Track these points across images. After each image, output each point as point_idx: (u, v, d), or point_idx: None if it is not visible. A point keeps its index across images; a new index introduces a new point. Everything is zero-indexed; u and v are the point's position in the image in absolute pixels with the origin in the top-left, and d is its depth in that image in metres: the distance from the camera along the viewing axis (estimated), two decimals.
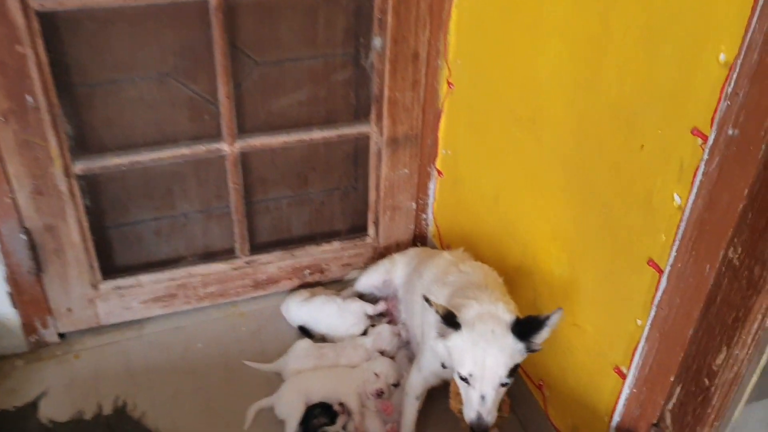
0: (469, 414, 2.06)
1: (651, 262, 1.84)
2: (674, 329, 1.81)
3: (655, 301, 1.85)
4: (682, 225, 1.71)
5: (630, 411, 2.05)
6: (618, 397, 2.08)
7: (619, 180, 1.92)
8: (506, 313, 2.04)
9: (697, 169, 1.63)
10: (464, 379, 2.04)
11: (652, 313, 1.87)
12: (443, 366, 2.29)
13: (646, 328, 1.91)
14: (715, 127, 1.55)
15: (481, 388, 2.01)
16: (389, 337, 2.82)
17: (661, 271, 1.82)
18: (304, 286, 3.18)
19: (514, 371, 2.04)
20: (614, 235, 1.98)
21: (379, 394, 2.63)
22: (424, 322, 2.41)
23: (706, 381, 1.68)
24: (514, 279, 2.48)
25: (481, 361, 1.99)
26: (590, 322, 2.17)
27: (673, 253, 1.75)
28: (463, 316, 2.01)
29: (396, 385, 2.69)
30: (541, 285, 2.39)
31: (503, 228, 2.60)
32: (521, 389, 2.66)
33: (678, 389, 1.83)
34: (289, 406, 2.62)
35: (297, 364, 2.77)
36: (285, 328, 3.05)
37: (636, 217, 1.88)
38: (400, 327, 2.87)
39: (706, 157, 1.59)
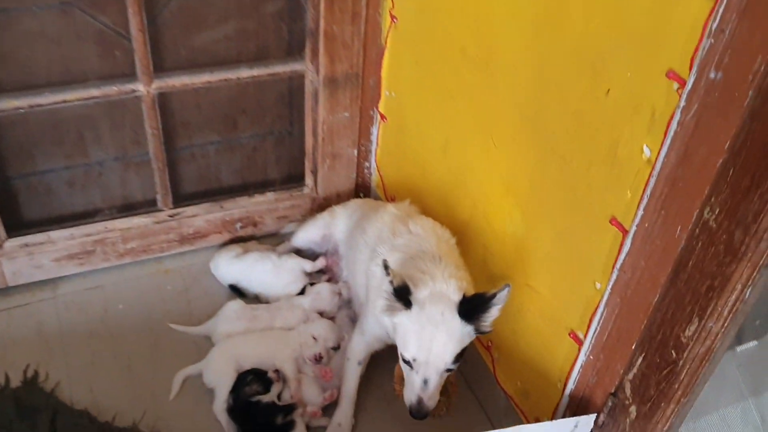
0: (410, 398, 1.91)
1: (614, 221, 1.66)
2: (637, 295, 1.65)
3: (617, 264, 1.68)
4: (652, 181, 1.52)
5: (585, 379, 1.90)
6: (573, 364, 1.93)
7: (580, 129, 1.72)
8: (455, 293, 1.89)
9: (671, 117, 1.43)
10: (407, 362, 1.90)
11: (614, 276, 1.70)
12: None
13: (606, 293, 1.75)
14: (694, 69, 1.35)
15: (425, 372, 1.86)
16: (329, 297, 2.62)
17: (625, 231, 1.64)
18: (236, 240, 2.95)
19: (460, 356, 1.90)
20: (573, 190, 1.79)
21: (318, 359, 2.44)
22: (369, 284, 2.21)
23: (673, 353, 1.52)
24: (463, 235, 2.28)
25: (427, 346, 1.84)
26: (544, 283, 2.00)
27: (640, 212, 1.58)
28: (416, 295, 1.87)
29: (336, 348, 2.50)
30: (493, 242, 2.20)
31: (452, 179, 2.39)
32: (469, 351, 2.49)
33: (639, 359, 1.68)
34: (219, 373, 2.41)
35: (227, 327, 2.55)
36: (215, 287, 2.82)
37: (598, 171, 1.69)
38: (341, 285, 2.66)
39: (682, 104, 1.40)
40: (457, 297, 1.89)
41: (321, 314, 2.61)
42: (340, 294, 2.65)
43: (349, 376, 2.35)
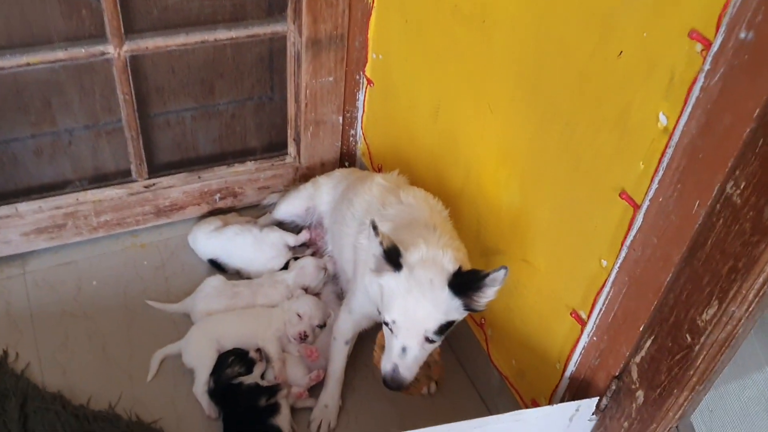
0: (385, 365, 1.79)
1: (624, 195, 1.54)
2: (647, 274, 1.54)
3: (627, 241, 1.56)
4: (668, 151, 1.39)
5: (587, 360, 1.80)
6: (574, 345, 1.83)
7: (587, 94, 1.58)
8: (450, 263, 1.77)
9: (692, 82, 1.30)
10: (388, 326, 1.77)
11: (622, 254, 1.59)
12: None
13: (614, 271, 1.63)
14: (722, 29, 1.22)
15: (404, 338, 1.74)
16: (314, 272, 2.49)
17: (636, 206, 1.52)
18: (215, 213, 2.80)
19: (445, 329, 1.75)
20: (577, 160, 1.66)
21: (303, 337, 2.32)
22: (357, 259, 2.08)
23: (688, 338, 1.41)
24: (455, 206, 2.15)
25: (410, 310, 1.72)
26: (543, 259, 1.88)
27: (654, 185, 1.45)
28: (407, 257, 1.76)
29: (322, 326, 2.38)
30: (487, 214, 2.08)
31: (443, 147, 2.25)
32: (460, 327, 2.38)
33: (648, 342, 1.57)
34: (199, 353, 2.28)
35: (207, 305, 2.42)
36: (193, 262, 2.69)
37: (607, 139, 1.56)
38: (327, 260, 2.54)
39: (706, 67, 1.26)
40: (451, 267, 1.75)
41: (305, 290, 2.48)
42: (325, 269, 2.52)
43: (335, 356, 2.23)
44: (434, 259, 1.79)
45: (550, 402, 1.99)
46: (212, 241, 2.61)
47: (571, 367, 1.86)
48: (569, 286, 1.81)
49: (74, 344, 2.39)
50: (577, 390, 1.88)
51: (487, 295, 1.74)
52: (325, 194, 2.58)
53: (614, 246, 1.61)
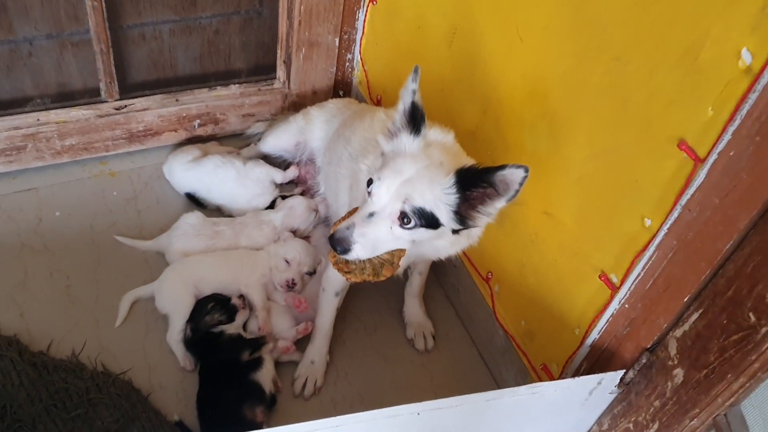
0: (341, 225, 1.56)
1: (683, 146, 1.31)
2: (702, 239, 1.33)
3: (681, 200, 1.34)
4: (751, 97, 1.17)
5: (614, 328, 1.61)
6: (601, 310, 1.63)
7: (646, 22, 1.34)
8: (469, 161, 1.61)
9: None
10: (369, 188, 1.55)
11: (674, 213, 1.37)
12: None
13: (660, 232, 1.42)
14: None
15: (379, 202, 1.52)
16: (304, 213, 2.25)
17: (697, 160, 1.29)
18: (193, 141, 2.54)
19: (423, 219, 1.50)
20: (626, 102, 1.42)
21: (290, 285, 2.10)
22: (353, 199, 1.83)
23: (752, 317, 1.21)
24: (467, 148, 1.90)
25: (404, 173, 1.51)
26: (570, 213, 1.66)
27: (726, 137, 1.23)
28: (427, 132, 1.59)
29: (311, 274, 2.16)
30: (505, 159, 1.83)
31: (457, 78, 2.00)
32: (463, 279, 2.19)
33: (695, 316, 1.37)
34: (174, 297, 2.06)
35: (184, 244, 2.18)
36: (169, 195, 2.45)
37: (667, 79, 1.32)
38: (318, 201, 2.29)
39: None
40: (469, 162, 1.58)
41: (294, 233, 2.25)
42: (316, 211, 2.28)
43: (324, 309, 2.02)
44: (455, 152, 1.62)
45: (563, 369, 1.81)
46: (190, 172, 2.35)
47: (594, 335, 1.67)
48: (600, 245, 1.59)
49: (34, 282, 2.15)
50: (597, 359, 1.69)
51: (490, 207, 1.50)
52: (318, 129, 2.32)
53: (663, 204, 1.39)
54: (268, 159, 2.45)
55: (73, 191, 2.40)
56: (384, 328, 2.21)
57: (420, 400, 2.07)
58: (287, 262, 2.12)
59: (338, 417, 1.38)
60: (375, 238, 1.54)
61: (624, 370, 1.58)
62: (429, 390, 2.08)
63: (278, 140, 2.40)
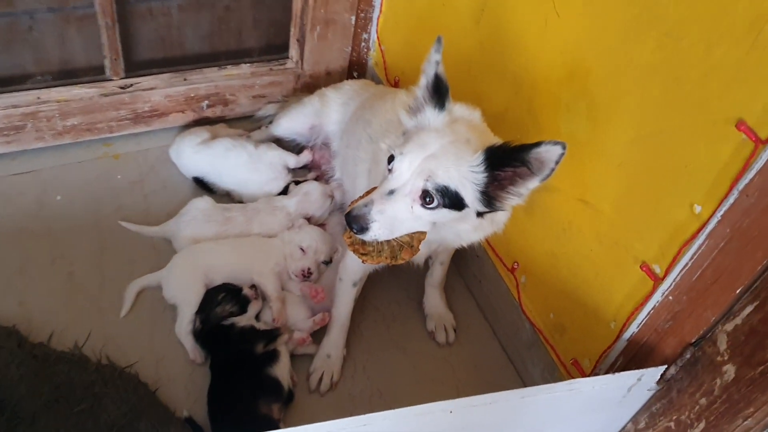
0: (358, 203, 1.45)
1: (743, 126, 1.22)
2: (759, 227, 1.24)
3: (739, 184, 1.25)
4: None
5: (655, 322, 1.52)
6: (641, 303, 1.54)
7: None
8: (496, 139, 1.52)
9: None
10: (390, 164, 1.45)
11: (729, 199, 1.28)
12: None
13: (712, 220, 1.33)
14: None
15: (401, 178, 1.42)
16: (319, 199, 2.16)
17: (759, 141, 1.20)
18: (202, 122, 2.45)
19: (446, 198, 1.41)
20: (679, 80, 1.33)
21: (306, 274, 2.01)
22: (372, 184, 1.73)
23: None
24: (495, 131, 1.80)
25: (428, 148, 1.43)
26: (609, 200, 1.57)
27: None
28: (452, 107, 1.52)
29: (327, 263, 2.06)
30: (542, 124, 1.74)
31: (486, 57, 1.90)
32: (486, 270, 2.10)
33: (749, 309, 1.28)
34: (183, 287, 1.97)
35: (193, 230, 2.09)
36: (176, 178, 2.35)
37: (727, 56, 1.23)
38: (334, 186, 2.19)
39: None
40: (496, 141, 1.48)
41: (308, 220, 2.16)
42: (332, 197, 2.18)
43: (341, 300, 1.93)
44: (482, 130, 1.53)
45: (596, 364, 1.72)
46: (199, 155, 2.26)
47: (632, 328, 1.58)
48: (643, 234, 1.50)
49: (34, 269, 2.05)
50: (634, 355, 1.60)
51: (522, 187, 1.40)
52: (335, 112, 2.22)
53: (717, 189, 1.30)
54: (279, 143, 2.36)
55: (76, 174, 2.30)
56: (403, 320, 2.12)
57: (441, 396, 1.98)
58: (303, 250, 2.03)
59: (365, 416, 1.29)
60: (394, 216, 1.43)
61: (665, 366, 1.50)
62: (450, 385, 1.99)
63: (292, 123, 2.30)
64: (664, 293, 1.47)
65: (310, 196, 2.15)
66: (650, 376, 1.52)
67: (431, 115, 1.48)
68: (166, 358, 1.92)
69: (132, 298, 1.99)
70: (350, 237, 1.50)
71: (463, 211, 1.45)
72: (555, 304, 1.84)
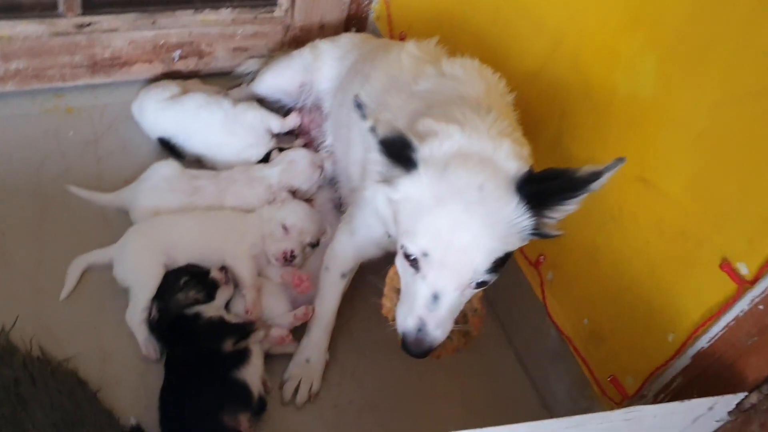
0: (405, 320, 1.24)
1: None
2: None
3: None
4: None
5: (735, 336, 1.25)
6: (719, 311, 1.26)
7: None
8: (510, 160, 1.20)
9: None
10: (412, 260, 1.21)
11: None
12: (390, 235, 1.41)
13: None
14: None
15: (438, 281, 1.19)
16: (306, 170, 1.88)
17: None
18: (172, 77, 2.14)
19: (501, 265, 1.20)
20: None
21: (288, 258, 1.68)
22: (369, 157, 1.42)
23: None
24: (526, 95, 1.48)
25: (447, 234, 1.15)
26: (680, 179, 1.28)
27: None
28: (427, 149, 1.19)
29: (314, 245, 1.75)
30: (581, 107, 1.43)
31: (517, 4, 1.56)
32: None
33: None
34: (138, 267, 1.68)
35: (154, 200, 1.80)
36: (138, 140, 2.06)
37: None
38: (324, 156, 1.87)
39: None
40: (513, 165, 1.19)
41: (293, 194, 1.86)
42: (321, 168, 1.87)
43: (326, 293, 1.65)
44: (480, 152, 1.20)
45: (643, 384, 1.41)
46: (166, 112, 1.98)
47: (701, 343, 1.29)
48: (725, 224, 1.21)
49: None
50: (698, 375, 1.32)
51: (567, 208, 1.17)
52: (328, 67, 1.92)
53: None
54: (263, 103, 2.05)
55: (18, 128, 2.00)
56: None
57: (445, 411, 1.67)
58: (285, 229, 1.73)
59: None
60: (448, 317, 1.22)
61: (744, 393, 1.19)
62: (456, 399, 1.69)
63: (279, 79, 2.00)
64: (752, 301, 1.19)
65: (296, 165, 1.85)
66: (724, 405, 1.22)
67: (413, 185, 1.18)
68: (114, 352, 1.63)
69: (76, 277, 1.70)
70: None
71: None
72: (591, 308, 1.54)
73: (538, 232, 1.19)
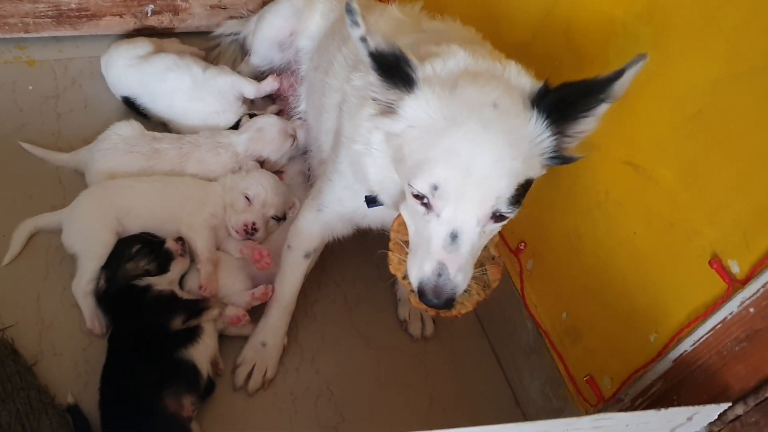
0: (422, 268, 1.09)
1: None
2: None
3: None
4: None
5: (722, 341, 1.13)
6: (705, 312, 1.13)
7: None
8: (522, 77, 1.11)
9: None
10: (422, 200, 1.07)
11: None
12: (371, 201, 1.26)
13: None
14: None
15: (456, 215, 1.06)
16: (276, 138, 1.75)
17: None
18: (144, 33, 2.01)
19: (523, 194, 1.08)
20: None
21: (249, 231, 1.57)
22: (342, 123, 1.30)
23: None
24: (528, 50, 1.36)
25: (466, 157, 1.02)
26: (672, 164, 1.16)
27: None
28: (430, 68, 1.09)
29: (278, 219, 1.62)
30: (574, 77, 1.29)
31: None
32: None
33: None
34: (87, 232, 1.56)
35: (111, 161, 1.68)
36: (102, 97, 1.94)
37: None
38: (298, 125, 1.74)
39: None
40: (526, 81, 1.10)
41: (261, 164, 1.72)
42: (294, 137, 1.72)
43: (288, 273, 1.52)
44: (490, 71, 1.10)
45: (620, 387, 1.30)
46: (132, 70, 1.85)
47: (684, 346, 1.16)
48: (718, 216, 1.08)
49: None
50: (680, 381, 1.20)
51: (587, 122, 1.06)
52: (314, 20, 1.77)
53: None
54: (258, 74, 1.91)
55: None
56: (369, 303, 1.70)
57: (409, 403, 1.56)
58: (248, 199, 1.60)
59: None
60: (471, 257, 1.09)
61: (728, 404, 1.07)
62: (422, 390, 1.57)
63: (269, 30, 1.85)
64: (742, 302, 1.06)
65: (265, 133, 1.72)
66: (705, 416, 1.10)
67: (417, 109, 1.05)
68: (54, 323, 1.52)
69: (21, 241, 1.59)
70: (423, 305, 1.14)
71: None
72: (571, 301, 1.42)
73: (559, 155, 1.08)
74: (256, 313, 1.53)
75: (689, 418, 1.11)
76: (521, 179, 1.04)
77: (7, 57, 1.90)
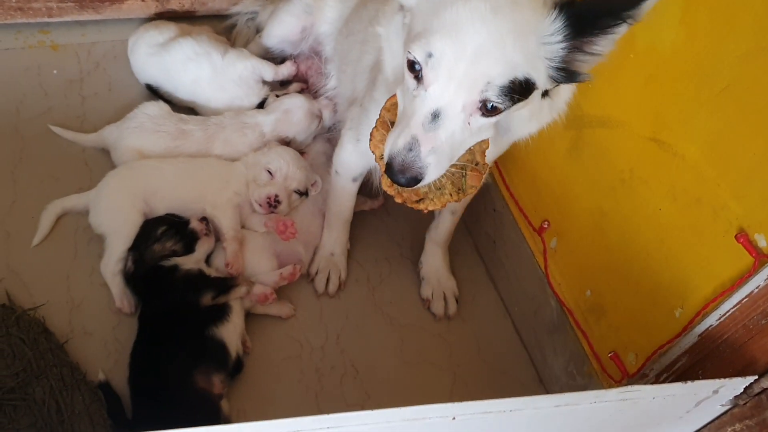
0: (396, 141, 1.07)
1: None
2: None
3: None
4: None
5: (748, 315, 1.13)
6: (732, 287, 1.14)
7: None
8: None
9: None
10: (417, 72, 1.05)
11: None
12: None
13: None
14: None
15: (442, 94, 1.03)
16: (303, 119, 1.76)
17: None
18: (166, 16, 2.00)
19: (518, 93, 1.03)
20: None
21: (272, 203, 1.58)
22: (381, 62, 1.29)
23: None
24: None
25: (466, 28, 1.00)
26: (698, 140, 1.16)
27: None
28: None
29: (301, 194, 1.64)
30: (596, 66, 1.29)
31: None
32: (505, 228, 1.67)
33: None
34: (115, 213, 1.57)
35: (139, 140, 1.69)
36: (126, 81, 1.95)
37: None
38: (325, 104, 1.78)
39: None
40: None
41: (287, 144, 1.73)
42: (320, 118, 1.73)
43: (340, 194, 1.61)
44: None
45: (645, 362, 1.30)
46: (154, 59, 1.84)
47: (710, 320, 1.17)
48: (745, 191, 1.09)
49: None
50: (706, 356, 1.20)
51: (604, 43, 1.02)
52: (330, 8, 1.78)
53: None
54: (269, 55, 1.91)
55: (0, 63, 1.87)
56: (392, 283, 1.72)
57: (433, 382, 1.57)
58: (270, 173, 1.61)
59: (333, 415, 0.86)
60: (451, 145, 1.07)
61: (755, 377, 1.07)
62: (446, 369, 1.59)
63: (281, 27, 1.85)
64: None
65: (292, 114, 1.72)
66: (731, 389, 1.10)
67: None
68: (84, 302, 1.53)
69: (50, 222, 1.60)
70: (393, 187, 1.13)
71: (530, 96, 1.08)
72: (595, 279, 1.43)
73: (567, 69, 1.05)
74: (285, 292, 1.56)
75: (715, 391, 1.12)
76: (519, 75, 1.02)
77: (31, 42, 1.91)
